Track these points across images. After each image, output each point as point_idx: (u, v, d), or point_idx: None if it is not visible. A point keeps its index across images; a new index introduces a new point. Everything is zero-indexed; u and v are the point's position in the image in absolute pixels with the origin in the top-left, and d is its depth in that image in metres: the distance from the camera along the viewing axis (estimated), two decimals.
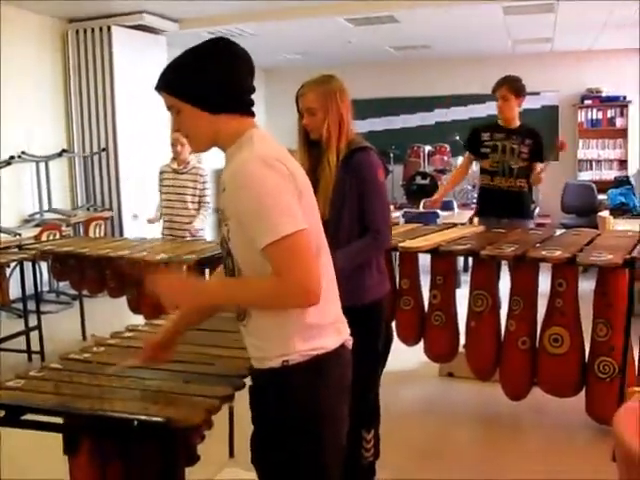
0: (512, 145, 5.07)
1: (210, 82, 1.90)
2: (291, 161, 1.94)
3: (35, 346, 5.72)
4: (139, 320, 4.65)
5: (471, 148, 5.37)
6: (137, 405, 2.09)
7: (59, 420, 2.15)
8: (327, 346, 1.95)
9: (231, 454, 3.89)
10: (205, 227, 5.97)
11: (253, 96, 2.02)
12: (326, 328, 1.97)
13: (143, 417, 1.99)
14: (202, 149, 2.02)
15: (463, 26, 9.00)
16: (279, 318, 1.90)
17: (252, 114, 2.00)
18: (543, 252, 3.89)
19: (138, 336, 2.81)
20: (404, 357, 4.66)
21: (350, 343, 2.07)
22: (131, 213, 8.74)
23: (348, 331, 2.08)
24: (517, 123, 5.14)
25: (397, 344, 4.13)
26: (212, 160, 6.24)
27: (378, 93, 11.47)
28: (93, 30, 8.80)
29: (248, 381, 2.25)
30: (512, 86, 5.07)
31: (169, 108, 1.96)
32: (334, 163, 2.95)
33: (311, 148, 3.06)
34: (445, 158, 11.04)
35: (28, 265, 5.77)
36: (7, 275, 5.45)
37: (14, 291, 5.76)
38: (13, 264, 5.51)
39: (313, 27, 9.22)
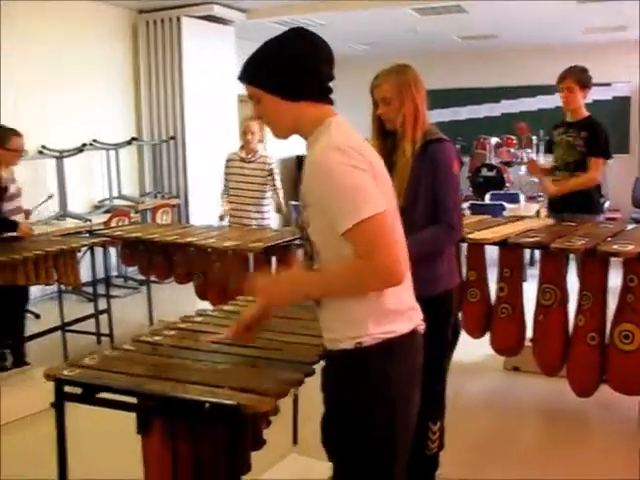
0: (568, 138, 4.94)
1: (289, 71, 1.95)
2: (368, 148, 1.99)
3: (104, 329, 5.85)
4: (205, 306, 4.73)
5: (549, 150, 5.26)
6: (208, 388, 2.12)
7: (132, 400, 2.20)
8: (399, 330, 1.98)
9: (295, 441, 3.92)
10: (265, 209, 5.98)
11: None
12: (400, 313, 2.00)
13: (214, 400, 2.02)
14: (283, 136, 2.07)
15: (533, 15, 8.83)
16: (356, 301, 1.93)
17: (331, 102, 2.04)
18: (615, 246, 3.80)
19: (208, 320, 2.85)
20: (469, 350, 4.61)
21: (422, 328, 2.10)
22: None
23: (421, 317, 2.11)
24: (583, 115, 4.99)
25: (462, 336, 4.08)
26: (278, 149, 6.31)
27: (444, 84, 11.35)
28: (163, 21, 8.95)
29: (318, 366, 2.29)
30: (577, 77, 4.91)
31: (250, 97, 2.02)
32: (410, 153, 2.94)
33: (385, 138, 3.06)
34: (512, 150, 10.89)
35: (98, 250, 5.89)
36: (78, 259, 5.57)
37: (84, 275, 5.90)
38: (84, 249, 5.63)
39: (380, 17, 9.19)
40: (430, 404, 2.77)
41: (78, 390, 2.28)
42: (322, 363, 2.21)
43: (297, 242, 4.95)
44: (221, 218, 6.22)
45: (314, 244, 1.98)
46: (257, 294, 2.09)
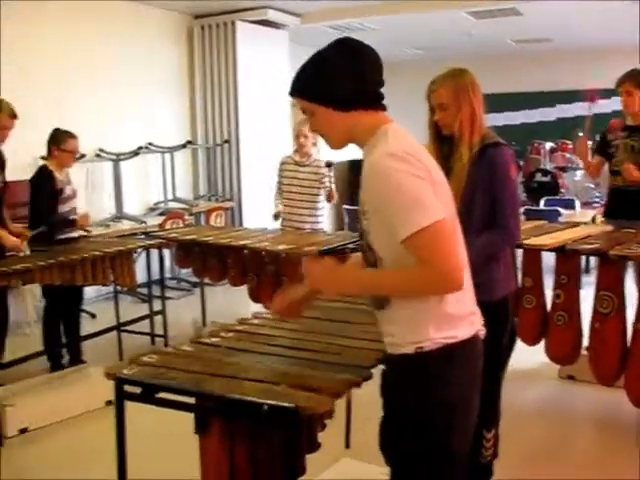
0: (632, 142, 4.84)
1: (338, 81, 1.95)
2: (425, 154, 1.98)
3: (158, 330, 5.93)
4: (258, 309, 4.76)
5: (600, 151, 5.17)
6: (266, 390, 2.14)
7: (191, 400, 2.23)
8: (460, 336, 1.97)
9: (347, 445, 3.92)
10: (319, 212, 5.98)
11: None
12: (461, 319, 1.99)
13: (273, 402, 2.03)
14: (339, 147, 2.08)
15: (588, 16, 8.70)
16: (418, 306, 1.93)
17: (384, 108, 2.04)
18: None
19: (264, 323, 2.87)
20: (524, 357, 4.55)
21: (482, 334, 2.09)
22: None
23: (481, 322, 2.10)
24: None
25: (517, 343, 4.05)
26: (331, 153, 6.30)
27: (498, 88, 11.18)
28: (218, 25, 9.06)
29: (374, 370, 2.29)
30: (636, 80, 4.80)
31: (304, 111, 2.04)
32: (466, 158, 2.92)
33: (442, 143, 3.04)
34: (567, 155, 10.73)
35: (152, 252, 5.97)
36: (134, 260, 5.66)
37: (138, 277, 5.97)
38: (139, 250, 5.71)
39: (434, 21, 9.17)
40: (485, 411, 2.75)
41: (137, 389, 2.32)
42: (380, 367, 2.22)
43: (351, 246, 4.95)
44: (276, 217, 6.25)
45: (376, 252, 1.98)
46: (309, 277, 2.07)
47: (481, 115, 2.99)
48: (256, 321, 2.91)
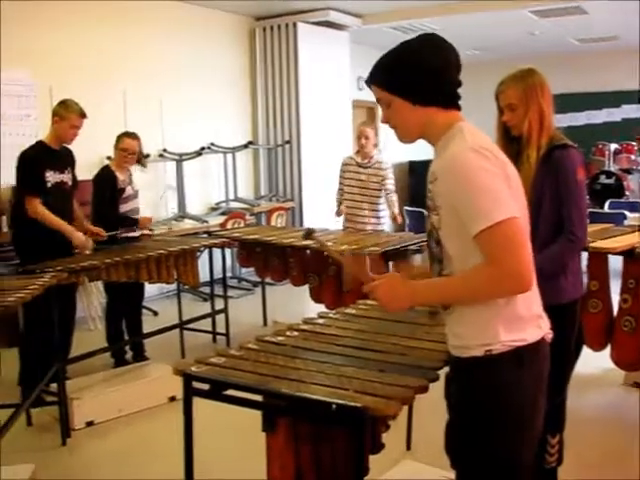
0: None
1: (420, 75, 1.95)
2: (500, 152, 1.96)
3: (219, 328, 6.00)
4: (319, 309, 4.77)
5: None
6: (333, 390, 2.14)
7: (258, 398, 2.25)
8: (528, 339, 1.95)
9: (408, 447, 3.91)
10: (382, 214, 5.97)
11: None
12: (529, 321, 1.97)
13: (341, 402, 2.03)
14: (410, 140, 2.06)
15: None
16: (486, 308, 1.92)
17: (459, 108, 2.03)
18: None
19: (329, 323, 2.88)
20: (589, 362, 4.47)
21: (550, 337, 2.06)
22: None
23: (549, 325, 2.07)
24: None
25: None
26: (392, 154, 6.30)
27: (561, 88, 10.94)
28: (279, 27, 9.11)
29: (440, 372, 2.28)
30: None
31: (378, 100, 2.03)
32: (534, 160, 2.88)
33: (509, 144, 3.01)
34: (632, 157, 10.50)
35: (213, 251, 6.04)
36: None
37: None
38: (202, 249, 5.78)
39: (496, 21, 9.06)
40: (550, 416, 2.71)
41: (205, 386, 2.35)
42: (445, 369, 2.20)
43: (413, 247, 4.93)
44: (338, 214, 6.27)
45: (444, 248, 1.97)
46: (377, 296, 2.03)
47: (550, 116, 2.95)
48: (321, 321, 2.92)
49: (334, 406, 2.03)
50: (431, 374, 2.27)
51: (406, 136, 2.05)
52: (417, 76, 1.95)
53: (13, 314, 3.66)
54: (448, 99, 2.00)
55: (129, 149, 5.36)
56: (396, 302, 2.01)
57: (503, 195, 1.83)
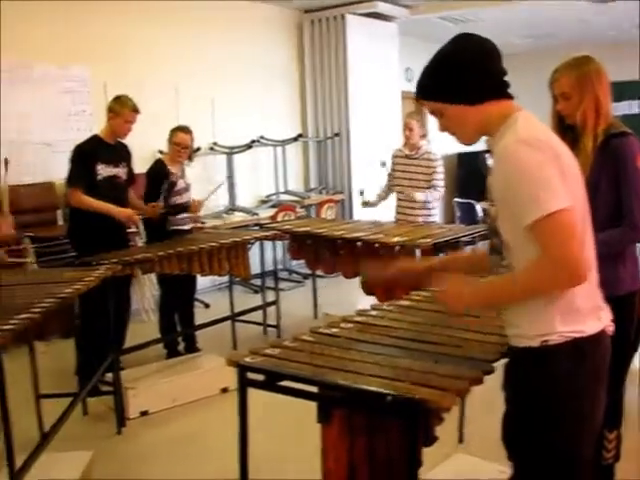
0: None
1: (467, 76, 1.95)
2: (556, 142, 1.95)
3: (270, 320, 6.03)
4: (370, 301, 4.75)
5: None
6: (388, 382, 2.13)
7: (313, 389, 2.25)
8: (587, 330, 1.93)
9: (460, 440, 3.88)
10: (435, 205, 5.91)
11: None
12: (588, 313, 1.94)
13: (397, 393, 2.03)
14: (472, 142, 2.07)
15: None
16: (544, 298, 1.90)
17: (511, 96, 2.01)
18: None
19: (383, 315, 2.87)
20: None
21: (611, 330, 2.04)
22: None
23: (609, 317, 2.04)
24: None
25: None
26: (440, 145, 6.25)
27: (617, 76, 10.77)
28: (328, 19, 9.10)
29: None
30: None
31: (432, 112, 2.04)
32: (590, 149, 2.83)
33: (565, 133, 2.96)
34: None
35: (264, 243, 6.06)
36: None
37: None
38: (253, 241, 5.79)
39: (548, 8, 8.90)
40: (607, 411, 2.67)
41: (259, 377, 2.36)
42: (502, 361, 2.18)
43: (465, 239, 4.89)
44: (365, 204, 6.28)
45: (504, 239, 1.97)
46: (443, 298, 2.07)
47: (607, 104, 2.89)
48: (375, 312, 2.91)
49: (389, 398, 2.02)
50: (486, 366, 2.25)
51: (467, 139, 2.06)
52: (460, 78, 1.95)
53: (70, 305, 3.72)
54: (497, 90, 1.99)
55: (182, 143, 5.41)
56: (459, 303, 2.06)
57: (555, 186, 1.81)
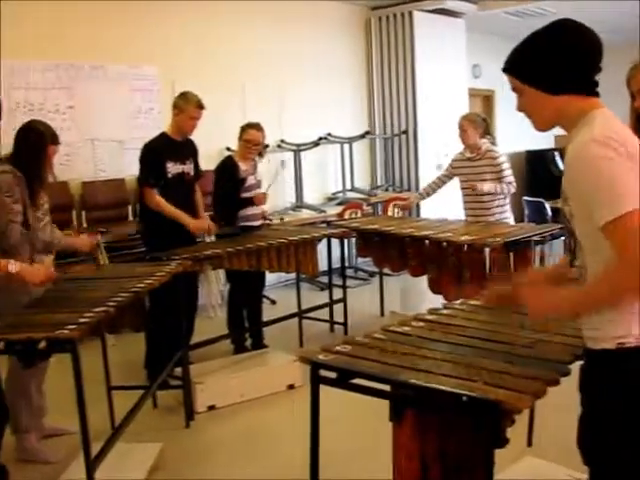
0: None
1: (552, 64, 1.90)
2: (632, 142, 1.87)
3: (337, 318, 6.03)
4: (436, 300, 4.72)
5: None
6: (462, 382, 2.11)
7: (385, 387, 2.23)
8: None
9: (529, 443, 3.81)
10: (506, 203, 5.80)
11: None
12: None
13: (472, 394, 2.00)
14: (544, 129, 2.03)
15: None
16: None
17: (597, 94, 1.96)
18: None
19: (455, 313, 2.84)
20: None
21: None
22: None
23: None
24: None
25: None
26: (507, 144, 6.14)
27: None
28: (395, 16, 9.07)
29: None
30: None
31: (514, 89, 2.01)
32: None
33: None
34: None
35: (330, 240, 6.06)
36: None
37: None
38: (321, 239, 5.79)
39: (616, 3, 8.68)
40: None
41: (331, 374, 2.36)
42: (577, 363, 2.13)
43: (536, 238, 4.80)
44: (404, 207, 6.37)
45: (578, 239, 1.93)
46: (523, 299, 2.04)
47: None
48: (446, 311, 2.88)
49: (465, 398, 1.99)
50: (562, 367, 2.20)
51: (541, 124, 2.02)
52: (546, 63, 1.91)
53: (141, 300, 3.78)
54: (581, 86, 1.93)
55: (253, 140, 5.42)
56: (543, 309, 2.04)
57: (630, 186, 1.76)
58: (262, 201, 5.51)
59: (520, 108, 2.03)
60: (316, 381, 2.39)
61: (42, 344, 2.88)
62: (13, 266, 3.06)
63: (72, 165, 6.41)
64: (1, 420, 3.24)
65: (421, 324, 2.70)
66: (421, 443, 2.20)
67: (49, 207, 3.96)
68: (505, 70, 2.02)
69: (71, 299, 3.48)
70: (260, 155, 5.68)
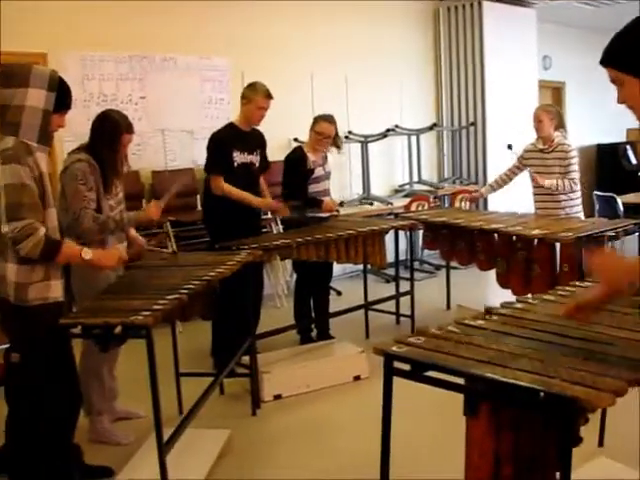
0: None
1: None
2: None
3: (403, 310, 6.01)
4: (503, 294, 4.66)
5: None
6: (538, 377, 2.07)
7: (459, 381, 2.21)
8: None
9: (600, 443, 3.73)
10: (577, 197, 5.68)
11: None
12: None
13: (550, 391, 1.96)
14: None
15: None
16: None
17: None
18: None
19: (528, 308, 2.79)
20: None
21: None
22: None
23: None
24: None
25: None
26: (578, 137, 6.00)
27: None
28: (464, 6, 8.97)
29: None
30: None
31: (613, 81, 1.94)
32: None
33: None
34: None
35: (397, 233, 6.04)
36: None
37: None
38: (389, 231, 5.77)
39: None
40: None
41: (405, 366, 2.34)
42: None
43: (609, 233, 4.70)
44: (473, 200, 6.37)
45: None
46: (599, 274, 2.01)
47: None
48: (519, 305, 2.84)
49: (542, 394, 1.96)
50: None
51: None
52: None
53: (212, 288, 3.83)
54: None
55: (324, 132, 5.41)
56: (616, 278, 2.00)
57: None
58: (331, 208, 5.53)
59: (621, 100, 1.96)
60: (390, 373, 2.38)
61: (118, 329, 2.95)
62: (87, 254, 3.12)
63: (143, 155, 6.55)
64: (76, 403, 3.33)
65: (494, 318, 2.66)
66: (495, 439, 2.17)
67: (123, 195, 4.04)
68: (602, 62, 1.94)
69: (145, 286, 3.55)
70: (337, 147, 5.64)
